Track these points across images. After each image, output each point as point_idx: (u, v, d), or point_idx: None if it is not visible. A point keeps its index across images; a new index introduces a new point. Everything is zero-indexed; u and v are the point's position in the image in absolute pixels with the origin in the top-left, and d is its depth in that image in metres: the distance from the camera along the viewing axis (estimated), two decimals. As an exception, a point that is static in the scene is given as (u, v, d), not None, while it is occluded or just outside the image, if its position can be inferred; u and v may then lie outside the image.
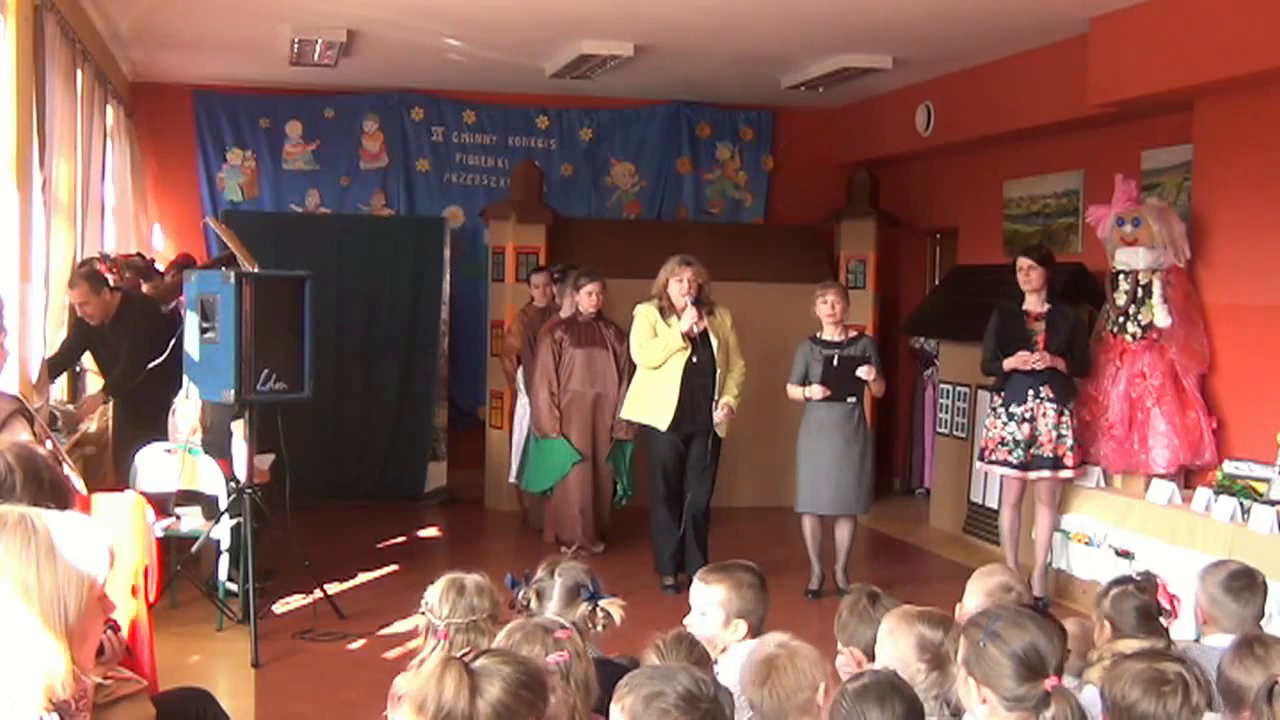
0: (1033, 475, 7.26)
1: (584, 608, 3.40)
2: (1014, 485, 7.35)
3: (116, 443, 7.38)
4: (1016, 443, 7.21)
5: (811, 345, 7.51)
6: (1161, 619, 3.70)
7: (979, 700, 2.69)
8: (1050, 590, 7.40)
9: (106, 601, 2.27)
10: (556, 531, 8.57)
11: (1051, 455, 7.17)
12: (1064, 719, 2.59)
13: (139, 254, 9.01)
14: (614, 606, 3.43)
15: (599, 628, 3.42)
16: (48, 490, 2.90)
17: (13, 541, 2.15)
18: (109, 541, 2.28)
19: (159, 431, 6.98)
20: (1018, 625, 2.70)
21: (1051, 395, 7.14)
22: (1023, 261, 7.26)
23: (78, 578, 2.18)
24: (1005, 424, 7.25)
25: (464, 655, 2.41)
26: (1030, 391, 7.17)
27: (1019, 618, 2.73)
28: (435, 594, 3.36)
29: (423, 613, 3.36)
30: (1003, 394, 7.30)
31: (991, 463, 7.37)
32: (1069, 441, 7.16)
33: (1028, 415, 7.18)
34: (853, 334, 7.61)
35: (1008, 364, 7.19)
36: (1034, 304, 7.27)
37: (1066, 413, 7.17)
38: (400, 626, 6.26)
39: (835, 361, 7.38)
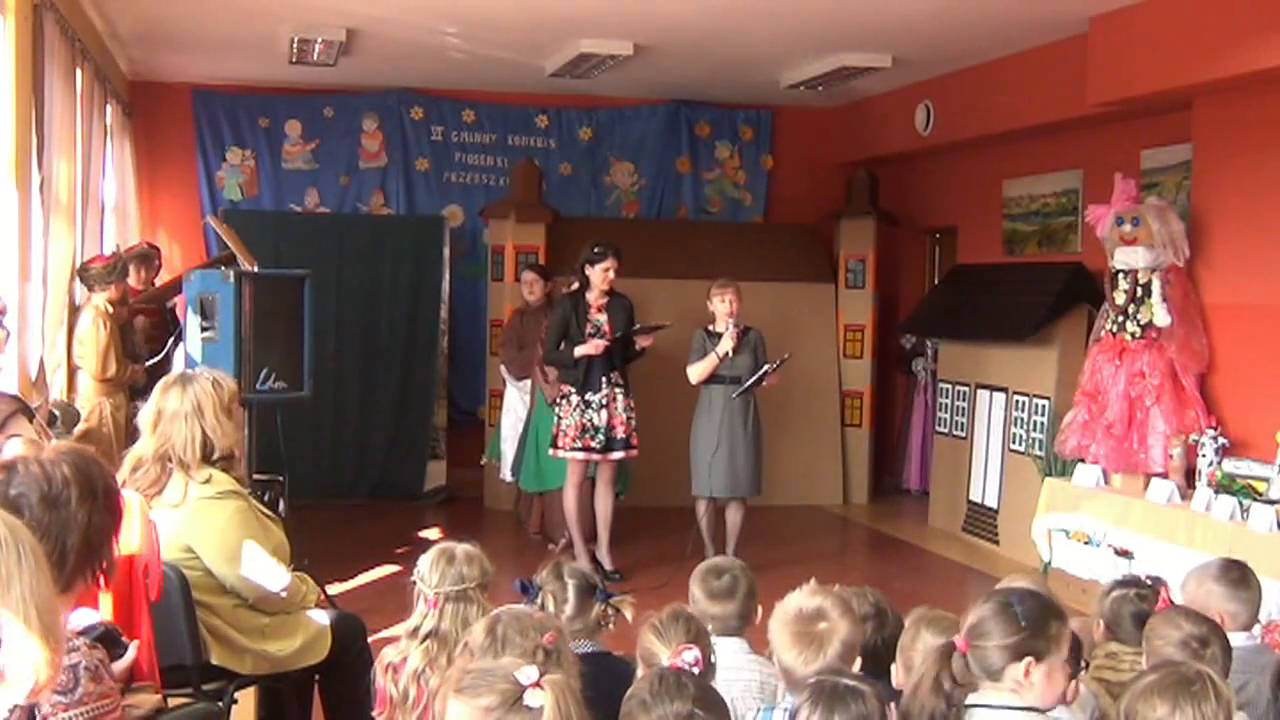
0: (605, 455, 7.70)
1: (598, 608, 3.44)
2: (579, 467, 7.71)
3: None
4: (596, 428, 7.64)
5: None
6: None
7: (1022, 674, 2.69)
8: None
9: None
10: (547, 530, 8.53)
11: (623, 438, 7.67)
12: None
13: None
14: (625, 605, 3.46)
15: (611, 626, 3.46)
16: (102, 503, 2.64)
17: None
18: None
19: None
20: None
21: (620, 382, 7.69)
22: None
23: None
24: (583, 411, 7.65)
25: None
26: (603, 379, 7.62)
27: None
28: (426, 563, 3.42)
29: (414, 580, 3.39)
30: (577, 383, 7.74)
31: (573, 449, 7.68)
32: (634, 423, 7.70)
33: (603, 402, 7.63)
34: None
35: (579, 351, 7.57)
36: (597, 297, 7.73)
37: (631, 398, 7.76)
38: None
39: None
